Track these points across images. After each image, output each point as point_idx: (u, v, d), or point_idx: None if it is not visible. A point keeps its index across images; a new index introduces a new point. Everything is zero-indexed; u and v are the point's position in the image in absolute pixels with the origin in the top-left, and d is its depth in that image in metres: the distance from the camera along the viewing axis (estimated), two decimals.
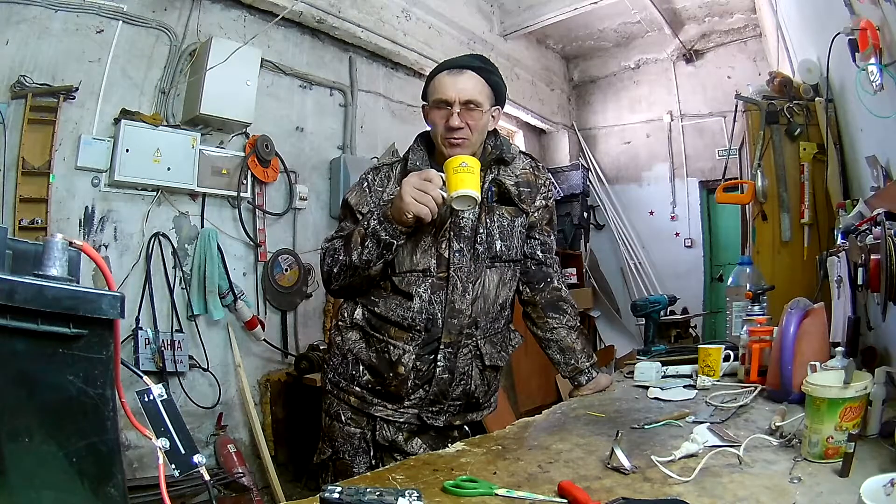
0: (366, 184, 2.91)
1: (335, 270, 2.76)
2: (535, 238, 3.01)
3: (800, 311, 2.56)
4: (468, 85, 2.72)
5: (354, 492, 1.47)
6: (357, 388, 2.83)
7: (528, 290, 3.04)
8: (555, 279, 3.04)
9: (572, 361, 2.96)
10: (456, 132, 2.70)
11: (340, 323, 2.94)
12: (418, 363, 2.74)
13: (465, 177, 2.48)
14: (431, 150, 2.89)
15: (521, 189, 2.91)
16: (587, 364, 2.96)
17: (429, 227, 2.71)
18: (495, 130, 2.98)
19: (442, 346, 2.73)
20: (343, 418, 2.86)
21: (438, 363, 2.74)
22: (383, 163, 2.99)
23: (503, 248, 2.83)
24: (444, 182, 2.51)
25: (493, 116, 2.88)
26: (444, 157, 2.70)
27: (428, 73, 2.89)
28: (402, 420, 2.80)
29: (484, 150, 2.90)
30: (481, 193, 2.66)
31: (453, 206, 2.54)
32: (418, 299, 2.72)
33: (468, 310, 2.74)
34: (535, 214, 2.98)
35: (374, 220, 2.61)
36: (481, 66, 2.80)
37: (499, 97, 2.87)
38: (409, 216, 2.50)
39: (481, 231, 2.78)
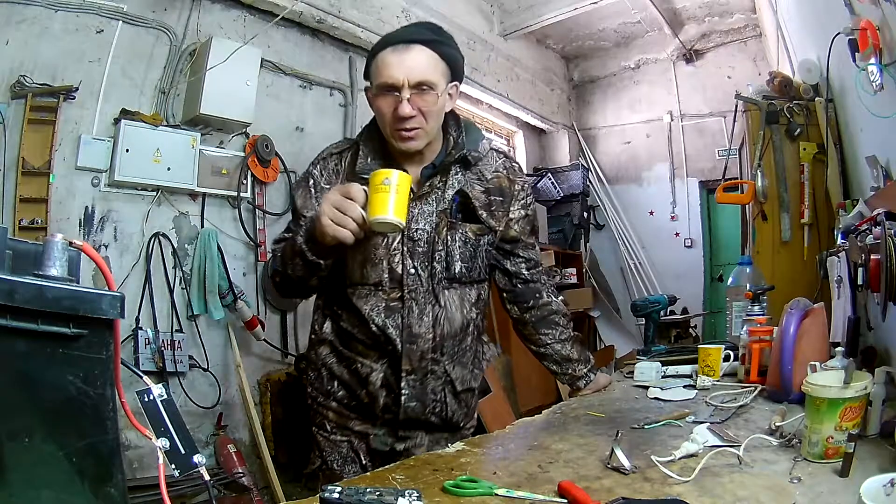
0: (311, 181, 2.60)
1: (277, 280, 2.53)
2: (518, 256, 2.77)
3: (800, 311, 2.57)
4: (418, 62, 2.33)
5: (354, 492, 1.47)
6: (334, 404, 2.66)
7: (516, 310, 2.84)
8: (544, 293, 2.83)
9: (569, 371, 2.86)
10: (407, 122, 2.35)
11: (313, 336, 2.75)
12: (389, 380, 2.53)
13: (383, 197, 2.10)
14: (384, 139, 2.55)
15: (492, 198, 2.62)
16: (584, 370, 2.87)
17: (379, 239, 2.46)
18: (454, 114, 2.64)
19: (404, 374, 2.50)
20: (328, 427, 2.67)
21: (403, 392, 2.51)
22: (331, 151, 2.66)
23: (463, 271, 2.56)
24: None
25: (450, 95, 2.49)
26: (397, 150, 2.47)
27: (370, 50, 2.47)
28: (381, 433, 2.62)
29: (446, 143, 2.59)
30: (444, 204, 2.50)
31: (374, 230, 2.19)
32: (371, 323, 2.48)
33: (428, 333, 2.50)
34: (516, 227, 2.71)
35: (300, 236, 2.32)
36: (433, 37, 2.39)
37: (455, 72, 2.48)
38: (328, 239, 2.17)
39: (440, 248, 2.51)
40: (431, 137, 2.49)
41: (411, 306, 2.48)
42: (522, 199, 2.73)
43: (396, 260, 2.48)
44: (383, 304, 2.49)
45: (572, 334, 2.89)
